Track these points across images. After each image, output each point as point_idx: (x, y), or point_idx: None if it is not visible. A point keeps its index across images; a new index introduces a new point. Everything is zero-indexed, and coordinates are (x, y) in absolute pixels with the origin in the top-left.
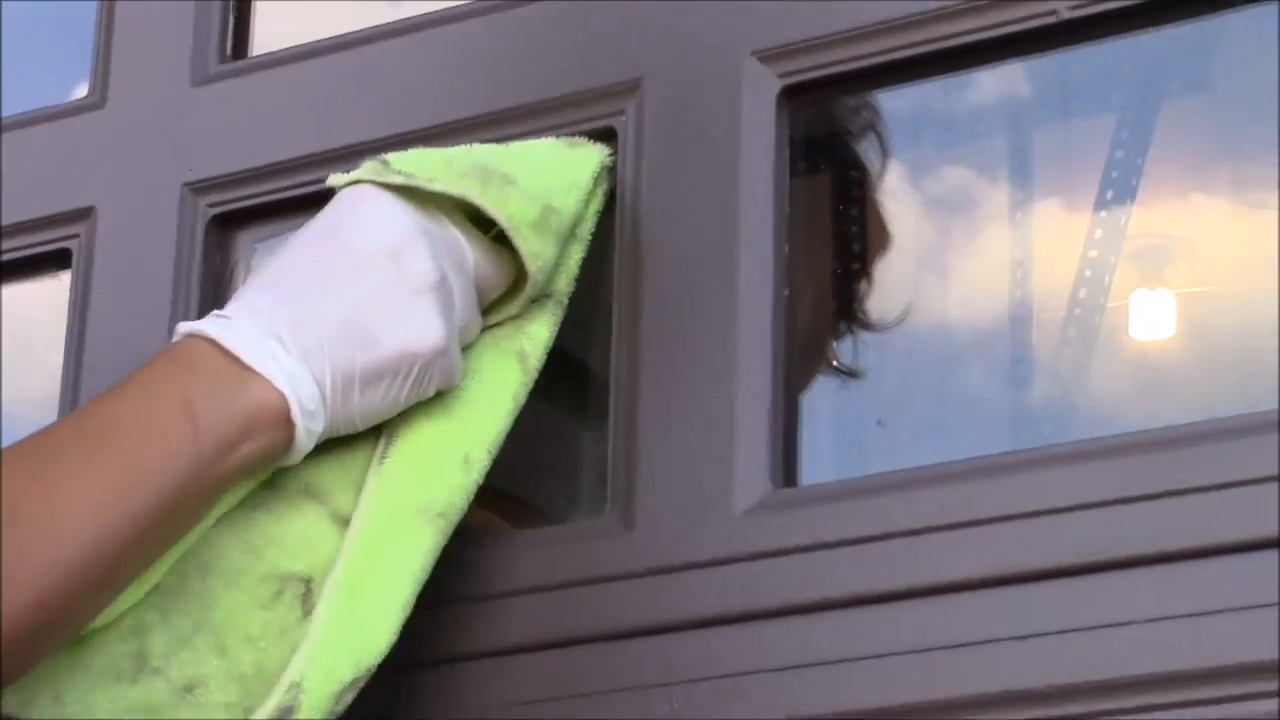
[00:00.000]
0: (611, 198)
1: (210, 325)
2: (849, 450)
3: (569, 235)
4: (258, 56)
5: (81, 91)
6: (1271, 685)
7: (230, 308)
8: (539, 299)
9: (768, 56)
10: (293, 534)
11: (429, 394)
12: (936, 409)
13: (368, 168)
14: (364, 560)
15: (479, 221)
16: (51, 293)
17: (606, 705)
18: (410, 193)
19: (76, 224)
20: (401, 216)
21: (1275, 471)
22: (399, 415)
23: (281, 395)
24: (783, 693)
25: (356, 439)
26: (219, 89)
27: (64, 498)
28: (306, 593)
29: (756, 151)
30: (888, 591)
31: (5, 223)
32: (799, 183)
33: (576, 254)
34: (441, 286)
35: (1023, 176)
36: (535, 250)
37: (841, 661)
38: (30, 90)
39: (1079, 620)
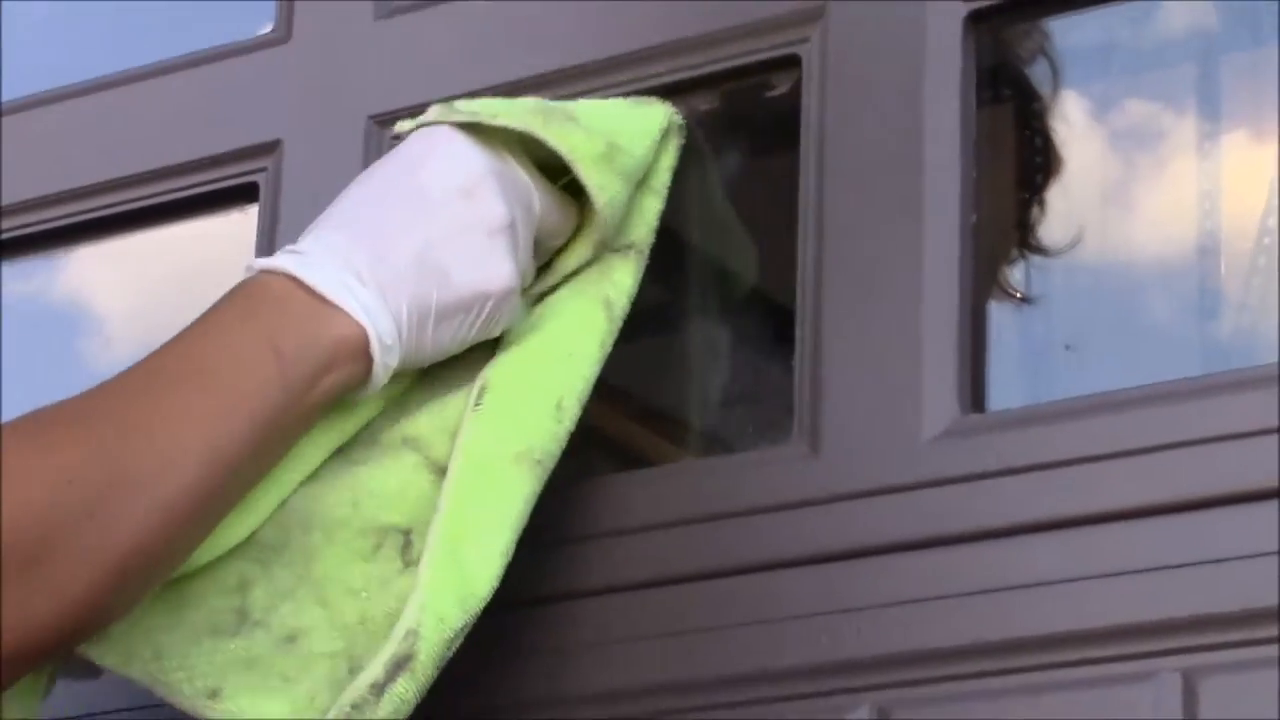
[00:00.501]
0: (789, 126)
1: (288, 261)
2: (1037, 375)
3: (640, 182)
4: None
5: (267, 27)
6: None
7: (304, 243)
8: (620, 249)
9: None
10: (391, 485)
11: (495, 333)
12: (1124, 336)
13: (434, 111)
14: (464, 508)
15: (548, 172)
16: (238, 227)
17: (793, 630)
18: (482, 134)
19: (263, 158)
20: (474, 156)
21: None
22: (491, 364)
23: (361, 328)
24: (971, 618)
25: (450, 388)
26: (401, 22)
27: (166, 429)
28: (406, 544)
29: (942, 76)
30: (1074, 516)
31: (194, 156)
32: (980, 109)
33: (653, 205)
34: (512, 228)
35: (1209, 105)
36: (600, 183)
37: (1030, 586)
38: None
39: (1273, 545)
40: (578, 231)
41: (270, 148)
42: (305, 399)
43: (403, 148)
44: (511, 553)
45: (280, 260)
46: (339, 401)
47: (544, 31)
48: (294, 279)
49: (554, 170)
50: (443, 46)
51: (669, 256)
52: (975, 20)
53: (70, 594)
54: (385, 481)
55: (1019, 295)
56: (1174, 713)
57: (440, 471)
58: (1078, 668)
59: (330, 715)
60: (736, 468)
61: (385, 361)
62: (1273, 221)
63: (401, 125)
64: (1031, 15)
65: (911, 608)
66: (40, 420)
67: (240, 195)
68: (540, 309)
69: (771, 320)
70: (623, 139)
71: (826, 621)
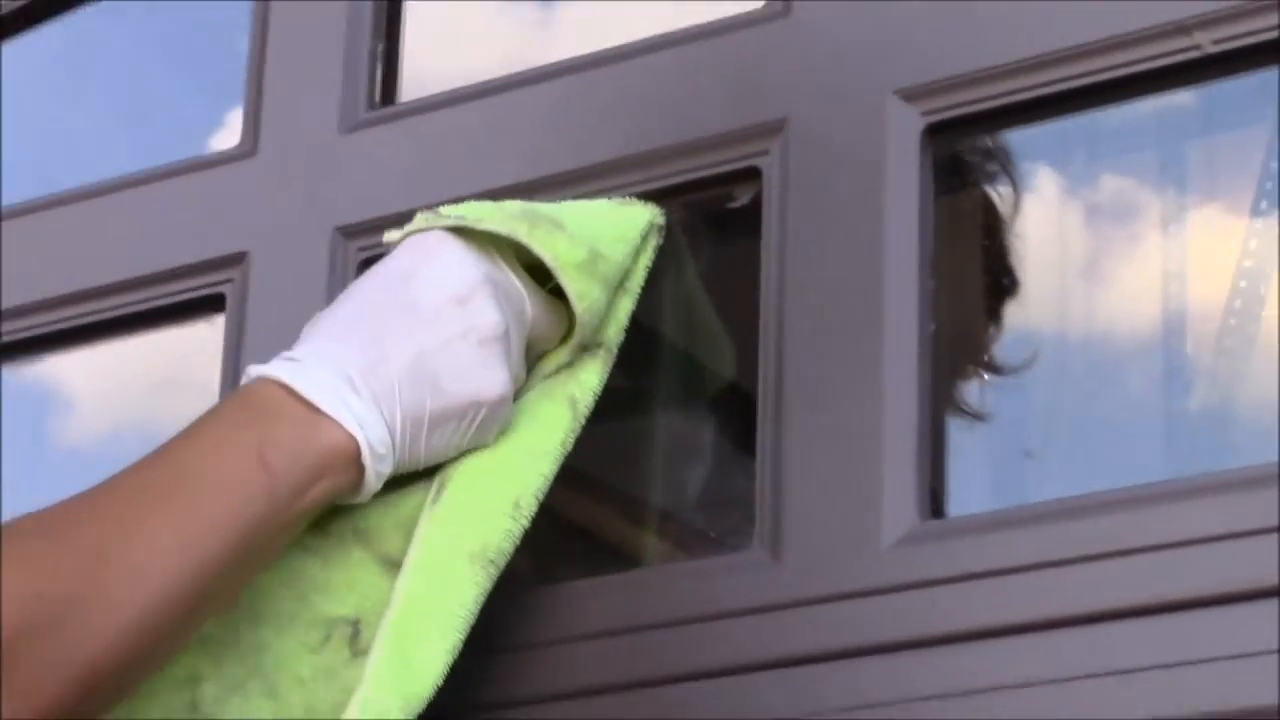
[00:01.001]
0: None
1: (281, 369)
2: (998, 482)
3: (617, 286)
4: (405, 103)
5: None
6: None
7: (298, 350)
8: (590, 348)
9: (911, 95)
10: (340, 579)
11: (488, 440)
12: (1085, 439)
13: (420, 218)
14: (414, 606)
15: (535, 274)
16: (205, 337)
17: None
18: (477, 240)
19: (230, 269)
20: (468, 263)
21: None
22: (451, 465)
23: (353, 438)
24: None
25: (405, 483)
26: (366, 135)
27: (145, 544)
28: (354, 635)
29: (900, 189)
30: (1033, 621)
31: (162, 268)
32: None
33: (626, 306)
34: (506, 336)
35: (1176, 189)
36: (582, 290)
37: (990, 690)
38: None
39: (1234, 649)
40: (563, 336)
41: (237, 259)
42: (291, 508)
43: (394, 255)
44: (457, 653)
45: (275, 368)
46: (330, 504)
47: (509, 143)
48: (287, 387)
49: (542, 273)
50: (407, 159)
51: (643, 351)
52: (933, 132)
53: (33, 703)
54: (332, 575)
55: (973, 413)
56: None
57: (389, 564)
58: None
59: None
60: (697, 573)
61: (378, 469)
62: (1238, 304)
63: (390, 235)
64: (990, 127)
65: (873, 711)
66: (17, 532)
67: (208, 306)
68: (515, 407)
69: (741, 423)
70: (604, 245)
71: None
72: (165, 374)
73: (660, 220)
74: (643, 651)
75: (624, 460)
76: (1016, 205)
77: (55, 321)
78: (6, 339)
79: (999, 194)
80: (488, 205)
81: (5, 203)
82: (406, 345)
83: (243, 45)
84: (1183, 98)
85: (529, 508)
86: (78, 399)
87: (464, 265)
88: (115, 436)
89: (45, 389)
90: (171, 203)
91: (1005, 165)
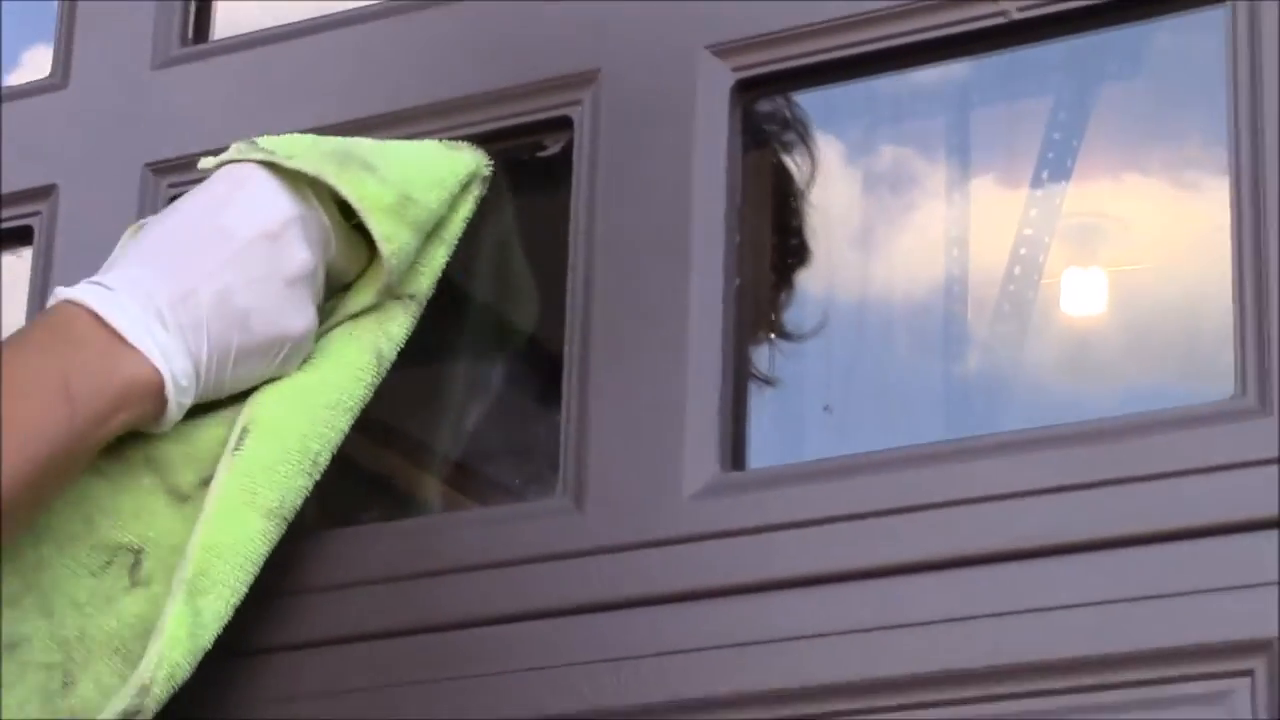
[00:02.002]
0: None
1: (92, 296)
2: (797, 436)
3: (430, 233)
4: (217, 41)
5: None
6: (1171, 671)
7: (110, 277)
8: (401, 297)
9: (722, 50)
10: (127, 505)
11: (288, 371)
12: (878, 390)
13: (235, 148)
14: (209, 559)
15: (344, 208)
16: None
17: (555, 678)
18: (288, 174)
19: (39, 201)
20: (280, 199)
21: (1199, 465)
22: (255, 399)
23: (157, 371)
24: (728, 669)
25: (201, 413)
26: (179, 72)
27: None
28: (136, 564)
29: (710, 143)
30: (829, 573)
31: None
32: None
33: (440, 255)
34: (313, 275)
35: (960, 157)
36: (388, 233)
37: (783, 640)
38: None
39: (1019, 603)
40: (364, 273)
41: (46, 192)
42: (92, 436)
43: (208, 185)
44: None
45: (85, 293)
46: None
47: (321, 84)
48: (96, 315)
49: (348, 206)
50: (219, 97)
51: (451, 299)
52: (743, 88)
53: None
54: (120, 501)
55: (762, 377)
56: None
57: (177, 496)
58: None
59: None
60: (506, 519)
61: (179, 401)
62: (1018, 270)
63: (205, 162)
64: (796, 85)
65: (671, 659)
66: None
67: (15, 237)
68: (316, 346)
69: (545, 373)
70: (417, 190)
71: (588, 670)
72: None
73: (486, 169)
74: (442, 595)
75: (423, 408)
76: (813, 175)
77: None
78: None
79: (796, 162)
80: (304, 139)
81: None
82: (216, 279)
83: None
84: (970, 67)
85: (324, 463)
86: None
87: (276, 200)
88: None
89: None
90: None
91: (803, 135)
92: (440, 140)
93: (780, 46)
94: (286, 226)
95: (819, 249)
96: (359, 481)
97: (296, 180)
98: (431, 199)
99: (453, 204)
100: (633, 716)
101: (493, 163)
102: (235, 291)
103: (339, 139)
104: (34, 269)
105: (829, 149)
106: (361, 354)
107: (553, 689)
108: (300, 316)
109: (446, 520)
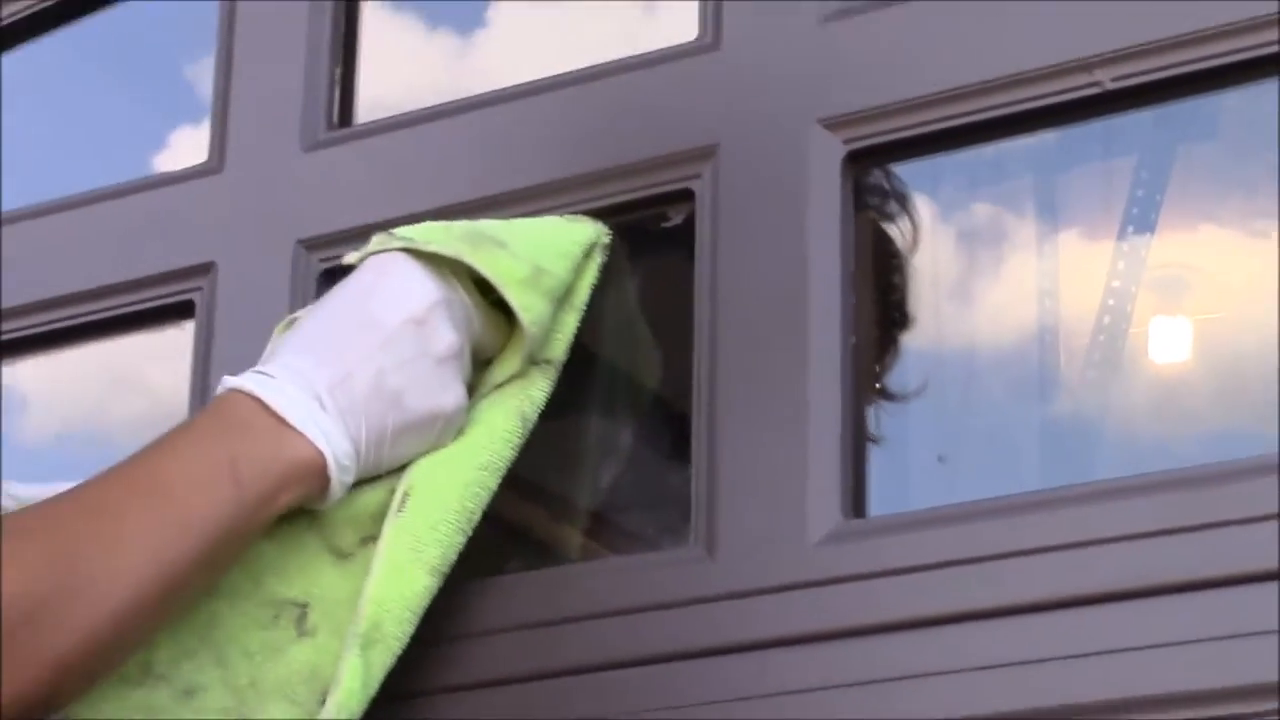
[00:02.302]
0: (677, 257)
1: (255, 384)
2: (914, 484)
3: (562, 301)
4: (361, 125)
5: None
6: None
7: (271, 367)
8: (539, 363)
9: (832, 124)
10: (293, 564)
11: (444, 445)
12: (990, 444)
13: (376, 240)
14: (380, 613)
15: (481, 287)
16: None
17: (689, 716)
18: (429, 260)
19: (199, 278)
20: (424, 284)
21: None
22: (414, 466)
23: (320, 453)
24: (851, 706)
25: (361, 483)
26: (326, 154)
27: (119, 546)
28: (302, 616)
29: (823, 210)
30: (945, 615)
31: (135, 276)
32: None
33: (571, 321)
34: (460, 354)
35: (1051, 214)
36: (526, 304)
37: (904, 679)
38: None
39: (1127, 640)
40: (506, 344)
41: (205, 269)
42: (258, 515)
43: (355, 276)
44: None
45: (249, 382)
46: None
47: (458, 164)
48: (260, 401)
49: (486, 284)
50: (364, 177)
51: (584, 361)
52: (853, 159)
53: (15, 689)
54: (286, 559)
55: (872, 437)
56: None
57: (339, 555)
58: None
59: None
60: (643, 567)
61: (342, 480)
62: (1108, 320)
63: (350, 257)
64: (904, 156)
65: (800, 697)
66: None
67: (178, 312)
68: (468, 416)
69: (676, 430)
70: (546, 261)
71: (724, 709)
72: (119, 377)
73: (605, 238)
74: (582, 640)
75: (561, 464)
76: (915, 240)
77: (35, 324)
78: None
79: (900, 229)
80: (437, 226)
81: None
82: (370, 365)
83: (189, 69)
84: (1059, 131)
85: (477, 520)
86: (31, 399)
87: (420, 286)
88: (65, 437)
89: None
90: (146, 215)
91: (904, 204)
92: (562, 215)
93: (887, 119)
94: (432, 310)
95: (923, 308)
96: (504, 534)
97: (437, 264)
98: (560, 269)
99: (578, 272)
100: None
101: (612, 233)
102: (388, 374)
103: (467, 222)
104: (196, 340)
105: (927, 211)
106: (508, 419)
107: None
108: (450, 393)
109: (586, 569)
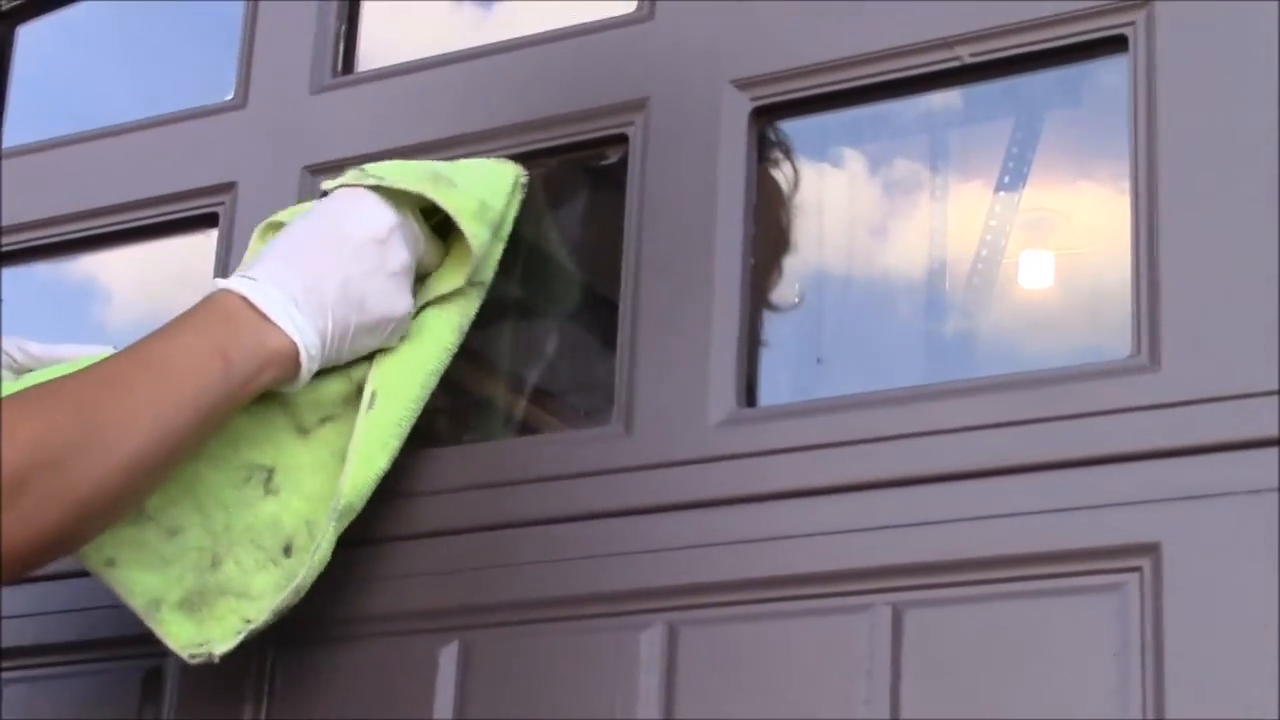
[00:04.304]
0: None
1: (241, 285)
2: (796, 380)
3: (496, 230)
4: (360, 73)
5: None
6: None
7: (255, 271)
8: (475, 285)
9: (743, 84)
10: (263, 435)
11: (392, 344)
12: (867, 344)
13: (350, 174)
14: (354, 490)
15: (424, 215)
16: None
17: (608, 565)
18: (390, 195)
19: (223, 194)
20: (385, 213)
21: (1113, 406)
22: (376, 368)
23: (294, 343)
24: (740, 560)
25: (324, 374)
26: (331, 96)
27: (130, 407)
28: (268, 478)
29: (732, 155)
30: (819, 487)
31: (171, 191)
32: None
33: (498, 250)
34: (410, 269)
35: (944, 165)
36: (474, 232)
37: (785, 538)
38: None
39: (964, 512)
40: (440, 263)
41: (228, 187)
42: (242, 391)
43: (329, 201)
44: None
45: (236, 283)
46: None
47: (438, 107)
48: (245, 299)
49: (426, 213)
50: (361, 115)
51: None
52: (758, 114)
53: (39, 525)
54: (259, 432)
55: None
56: (884, 638)
57: (301, 431)
58: (811, 600)
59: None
60: (570, 442)
61: (309, 367)
62: (985, 253)
63: (326, 184)
64: (800, 112)
65: (697, 551)
66: (29, 395)
67: (205, 222)
68: (414, 322)
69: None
70: (488, 196)
71: (633, 560)
72: (176, 271)
73: (523, 178)
74: (521, 500)
75: (519, 352)
76: (795, 184)
77: (92, 228)
78: (52, 240)
79: (782, 175)
80: (399, 164)
81: (53, 136)
82: (338, 272)
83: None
84: (949, 96)
85: (423, 404)
86: (115, 292)
87: (383, 212)
88: (141, 323)
89: (87, 284)
90: (180, 141)
91: (785, 153)
92: (514, 154)
93: (788, 81)
94: (391, 232)
95: (826, 239)
96: (469, 406)
97: (395, 197)
98: (499, 204)
99: (508, 206)
100: (667, 594)
101: (556, 168)
102: (353, 281)
103: (423, 162)
104: (219, 245)
105: (844, 159)
106: (451, 333)
107: (606, 572)
108: (402, 301)
109: (524, 442)
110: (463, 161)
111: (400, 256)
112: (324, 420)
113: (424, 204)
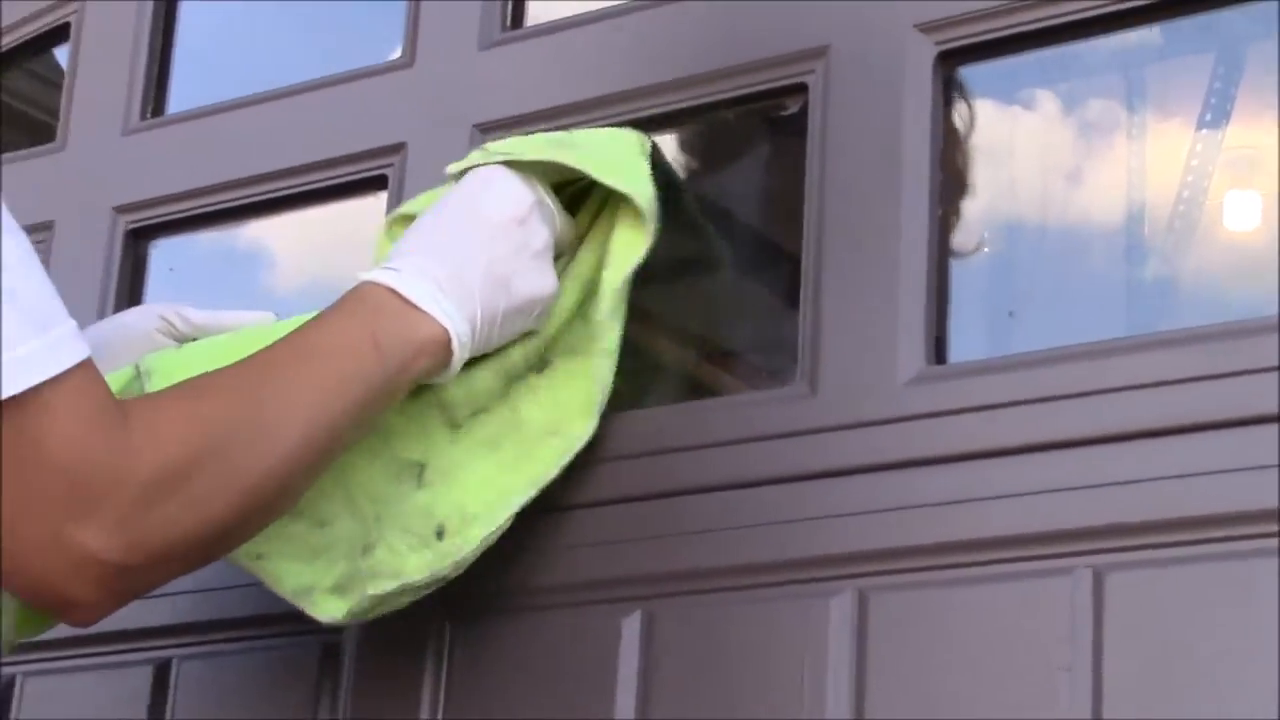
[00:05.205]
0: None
1: (387, 276)
2: (989, 335)
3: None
4: (530, 27)
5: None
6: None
7: (397, 262)
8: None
9: (927, 28)
10: (416, 431)
11: (539, 327)
12: (1062, 294)
13: (475, 154)
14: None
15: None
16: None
17: (797, 530)
18: (522, 170)
19: (392, 156)
20: (522, 191)
21: None
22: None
23: (444, 330)
24: (935, 523)
25: (474, 367)
26: (498, 52)
27: (291, 396)
28: (420, 472)
29: (917, 101)
30: (1016, 446)
31: (340, 154)
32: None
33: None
34: (550, 247)
35: (1139, 106)
36: (634, 188)
37: (979, 500)
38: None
39: (1166, 470)
40: (606, 241)
41: (397, 148)
42: (396, 381)
43: (463, 185)
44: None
45: (380, 275)
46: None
47: (610, 61)
48: (392, 290)
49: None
50: (532, 71)
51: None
52: (943, 59)
53: (206, 512)
54: (410, 428)
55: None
56: (1085, 602)
57: (453, 425)
58: (1007, 564)
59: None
60: (752, 404)
61: (461, 354)
62: (1187, 194)
63: (451, 167)
64: (986, 55)
65: (887, 515)
66: (195, 384)
67: (373, 184)
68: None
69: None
70: (620, 158)
71: (821, 525)
72: (340, 237)
73: (646, 144)
74: (704, 465)
75: (703, 314)
76: (972, 126)
77: (259, 194)
78: (219, 206)
79: (968, 120)
80: (523, 139)
81: (222, 100)
82: (481, 257)
83: None
84: (1145, 32)
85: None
86: (280, 257)
87: (519, 190)
88: (306, 288)
89: (253, 250)
90: (351, 102)
91: (965, 97)
92: (669, 109)
93: (973, 24)
94: (530, 211)
95: (1022, 185)
96: (653, 371)
97: (527, 173)
98: (637, 165)
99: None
100: (857, 559)
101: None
102: (497, 264)
103: (546, 134)
104: (388, 209)
105: (1036, 102)
106: (619, 303)
107: (795, 538)
108: (546, 280)
109: (705, 405)
110: (584, 130)
111: (541, 235)
112: (475, 413)
113: (555, 179)
